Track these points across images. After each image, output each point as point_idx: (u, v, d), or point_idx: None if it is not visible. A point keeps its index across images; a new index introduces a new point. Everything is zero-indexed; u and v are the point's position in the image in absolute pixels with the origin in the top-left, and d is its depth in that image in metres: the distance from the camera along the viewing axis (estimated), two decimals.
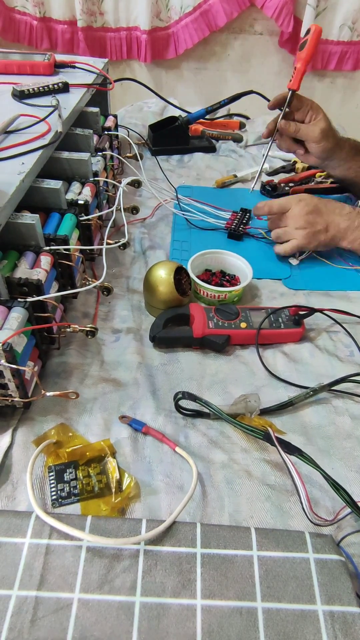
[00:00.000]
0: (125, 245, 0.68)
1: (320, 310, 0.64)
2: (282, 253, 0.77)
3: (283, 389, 0.57)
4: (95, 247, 0.68)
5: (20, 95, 0.71)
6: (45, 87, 0.73)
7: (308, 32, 0.75)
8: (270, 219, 0.79)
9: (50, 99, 0.70)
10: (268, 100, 1.12)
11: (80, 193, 0.65)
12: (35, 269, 0.51)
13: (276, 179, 1.00)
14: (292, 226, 0.75)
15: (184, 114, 1.12)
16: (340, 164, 0.83)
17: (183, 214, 0.85)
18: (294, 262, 0.77)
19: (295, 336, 0.63)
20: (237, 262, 0.72)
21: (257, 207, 0.79)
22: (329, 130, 0.78)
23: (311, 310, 0.62)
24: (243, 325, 0.61)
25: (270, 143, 0.81)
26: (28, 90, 0.71)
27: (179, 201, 0.89)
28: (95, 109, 0.80)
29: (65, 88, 0.76)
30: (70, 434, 0.50)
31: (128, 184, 0.78)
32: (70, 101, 0.73)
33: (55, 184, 0.59)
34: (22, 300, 0.47)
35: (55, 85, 0.74)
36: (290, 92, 0.77)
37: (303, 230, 0.74)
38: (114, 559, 0.39)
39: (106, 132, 0.82)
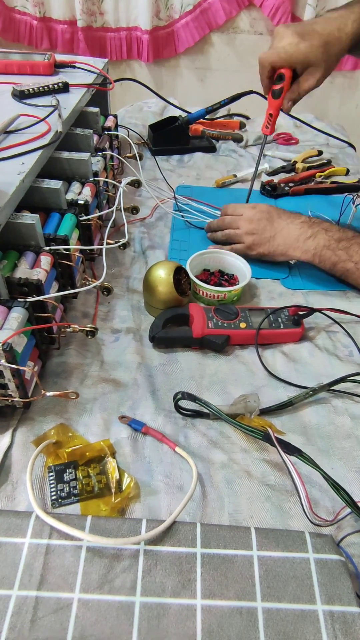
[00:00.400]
0: (125, 245, 0.68)
1: (320, 310, 0.64)
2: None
3: (282, 389, 0.57)
4: (95, 247, 0.68)
5: (20, 95, 0.71)
6: (45, 87, 0.73)
7: (280, 78, 0.67)
8: (224, 219, 0.78)
9: (50, 99, 0.70)
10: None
11: (80, 193, 0.65)
12: (35, 269, 0.51)
13: (276, 179, 1.00)
14: (243, 229, 0.74)
15: (184, 114, 1.12)
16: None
17: (182, 215, 0.85)
18: (292, 260, 0.76)
19: (295, 336, 0.63)
20: (235, 262, 0.72)
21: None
22: (311, 55, 0.64)
23: (310, 310, 0.62)
24: (242, 325, 0.61)
25: (256, 170, 0.83)
26: (28, 90, 0.71)
27: (176, 201, 0.88)
28: (95, 109, 0.80)
29: (65, 88, 0.76)
30: (70, 434, 0.50)
31: (128, 184, 0.78)
32: (70, 101, 0.73)
33: (55, 184, 0.59)
34: (22, 300, 0.47)
35: (55, 85, 0.74)
36: (265, 137, 0.76)
37: (250, 236, 0.73)
38: (114, 559, 0.39)
39: (106, 132, 0.82)
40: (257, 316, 0.63)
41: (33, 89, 0.72)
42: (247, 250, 0.74)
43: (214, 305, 0.64)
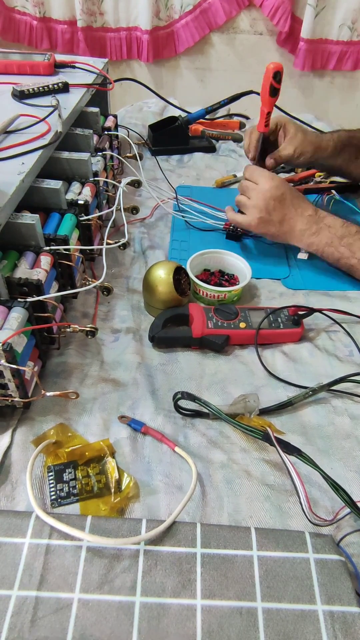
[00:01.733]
0: (125, 245, 0.68)
1: (320, 310, 0.64)
2: (231, 221, 0.76)
3: (282, 388, 0.57)
4: (95, 247, 0.68)
5: (20, 95, 0.71)
6: (45, 87, 0.73)
7: (278, 76, 0.70)
8: (243, 182, 0.75)
9: (50, 99, 0.70)
10: None
11: (80, 193, 0.65)
12: (35, 269, 0.51)
13: None
14: (253, 201, 0.72)
15: (184, 114, 1.12)
16: (326, 162, 0.83)
17: (182, 216, 0.85)
18: (303, 256, 0.76)
19: (295, 336, 0.63)
20: (236, 262, 0.72)
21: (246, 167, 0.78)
22: (303, 145, 0.78)
23: (310, 310, 0.62)
24: (242, 325, 0.61)
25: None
26: (28, 90, 0.71)
27: (177, 202, 0.88)
28: (95, 109, 0.80)
29: (65, 88, 0.76)
30: (70, 434, 0.50)
31: (128, 184, 0.78)
32: (70, 101, 0.73)
33: (55, 184, 0.59)
34: (22, 300, 0.47)
35: (55, 85, 0.74)
36: (261, 134, 0.77)
37: (258, 212, 0.71)
38: (114, 559, 0.39)
39: (106, 132, 0.82)
40: (257, 316, 0.63)
41: (33, 89, 0.72)
42: (249, 226, 0.73)
43: (214, 305, 0.64)
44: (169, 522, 0.41)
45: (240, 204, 0.75)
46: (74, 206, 0.62)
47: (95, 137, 0.77)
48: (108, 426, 0.51)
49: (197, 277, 0.69)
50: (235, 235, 0.82)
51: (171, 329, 0.62)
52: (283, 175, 1.02)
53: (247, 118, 1.28)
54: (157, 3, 1.55)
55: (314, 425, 0.53)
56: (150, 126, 1.09)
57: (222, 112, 1.27)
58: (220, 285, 0.70)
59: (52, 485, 0.45)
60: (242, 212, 0.75)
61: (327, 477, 0.42)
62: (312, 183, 0.98)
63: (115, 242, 0.68)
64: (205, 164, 1.07)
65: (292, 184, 0.96)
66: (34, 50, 1.66)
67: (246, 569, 0.39)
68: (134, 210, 0.78)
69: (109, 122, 0.87)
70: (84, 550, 0.39)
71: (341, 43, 1.58)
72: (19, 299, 0.47)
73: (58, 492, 0.45)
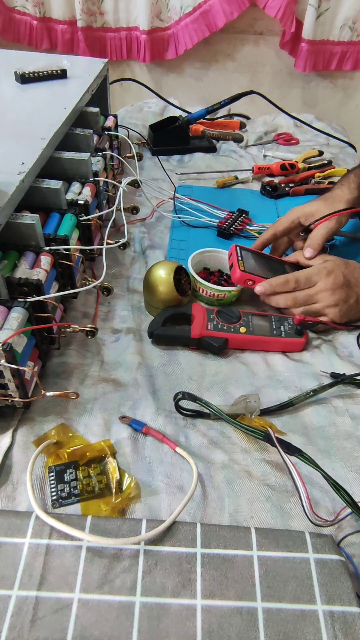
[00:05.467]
0: (125, 245, 0.68)
1: (324, 323, 0.63)
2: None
3: (283, 389, 0.57)
4: (95, 247, 0.68)
5: (22, 79, 0.77)
6: (45, 72, 0.79)
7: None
8: (293, 293, 0.66)
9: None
10: (268, 100, 1.12)
11: (80, 193, 0.65)
12: (35, 269, 0.51)
13: (276, 179, 1.00)
14: (323, 303, 0.65)
15: (184, 114, 1.12)
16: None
17: (179, 217, 0.85)
18: None
19: (297, 346, 0.61)
20: None
21: (281, 282, 0.66)
22: (330, 223, 0.72)
23: (316, 322, 0.62)
24: (242, 330, 0.60)
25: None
26: (29, 74, 0.78)
27: (174, 201, 0.88)
28: (95, 109, 0.80)
29: (63, 74, 0.80)
30: (71, 434, 0.50)
31: (128, 184, 0.78)
32: (70, 101, 0.73)
33: (55, 184, 0.59)
34: (22, 300, 0.47)
35: (54, 72, 0.80)
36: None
37: (335, 308, 0.64)
38: (114, 559, 0.39)
39: (106, 132, 0.82)
40: (259, 322, 0.62)
41: (34, 73, 0.78)
42: (334, 323, 0.65)
43: (214, 305, 0.63)
44: (169, 522, 0.41)
45: (312, 313, 0.66)
46: (74, 206, 0.62)
47: (95, 137, 0.77)
48: (109, 426, 0.51)
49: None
50: (225, 234, 0.82)
51: (171, 327, 0.62)
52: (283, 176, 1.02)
53: (248, 118, 1.28)
54: (158, 4, 1.55)
55: (315, 425, 0.53)
56: (151, 126, 1.09)
57: (222, 112, 1.27)
58: (220, 284, 0.70)
59: (53, 486, 0.45)
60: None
61: (328, 478, 0.42)
62: (311, 183, 0.98)
63: (115, 242, 0.68)
64: (205, 164, 1.07)
65: (292, 185, 0.97)
66: (34, 50, 1.66)
67: (246, 569, 0.39)
68: (134, 210, 0.78)
69: (109, 122, 0.87)
70: (84, 550, 0.39)
71: (342, 43, 1.57)
72: (19, 299, 0.47)
73: (59, 492, 0.45)
